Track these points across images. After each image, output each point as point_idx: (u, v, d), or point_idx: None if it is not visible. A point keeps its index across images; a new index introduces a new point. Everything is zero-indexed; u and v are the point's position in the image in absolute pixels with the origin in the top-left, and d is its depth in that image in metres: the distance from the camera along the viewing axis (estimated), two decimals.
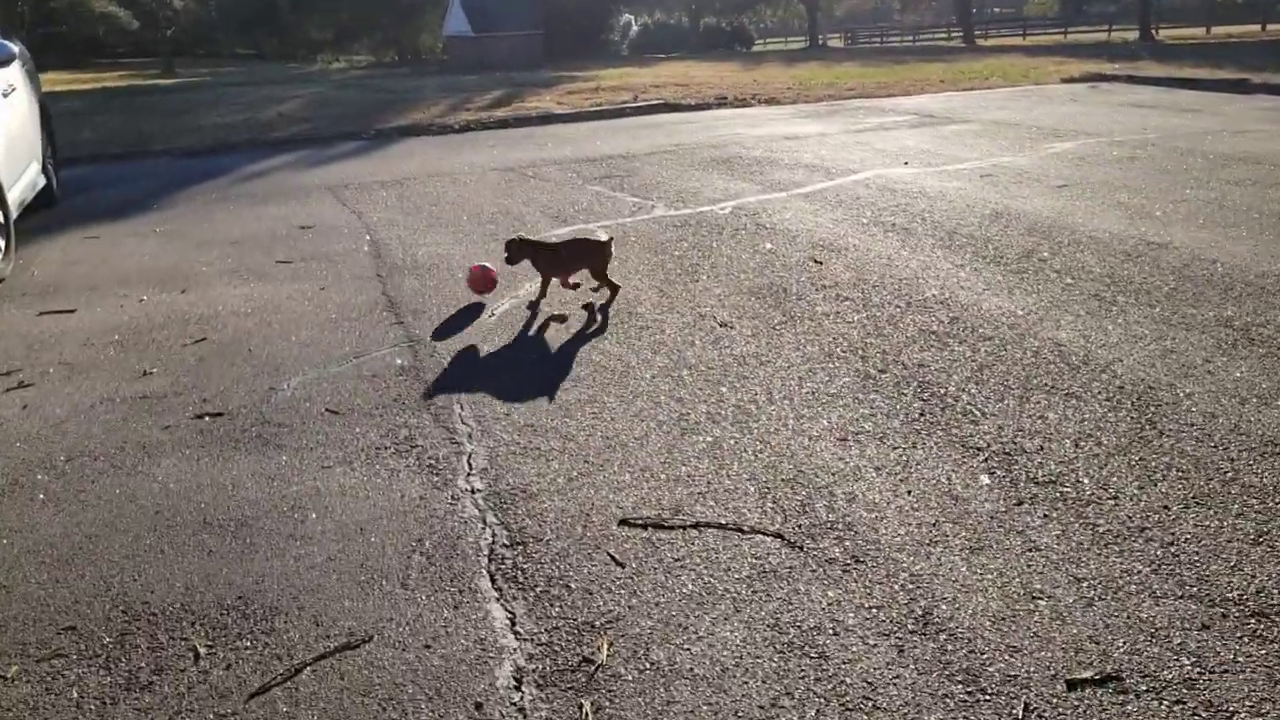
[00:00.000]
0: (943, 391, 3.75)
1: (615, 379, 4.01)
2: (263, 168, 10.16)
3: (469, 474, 3.28)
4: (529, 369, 4.19)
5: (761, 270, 5.55)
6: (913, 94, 15.22)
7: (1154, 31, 37.28)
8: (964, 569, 2.62)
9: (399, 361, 4.33)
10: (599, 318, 4.82)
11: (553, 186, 8.40)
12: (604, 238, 4.96)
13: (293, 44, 49.49)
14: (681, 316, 4.79)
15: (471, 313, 4.98)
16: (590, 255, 4.94)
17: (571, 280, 5.08)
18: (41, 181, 7.74)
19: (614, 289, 5.00)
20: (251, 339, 4.72)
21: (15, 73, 7.26)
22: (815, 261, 5.64)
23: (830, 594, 2.54)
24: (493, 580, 2.66)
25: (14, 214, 6.29)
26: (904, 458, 3.24)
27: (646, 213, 7.21)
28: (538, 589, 2.60)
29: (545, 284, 5.00)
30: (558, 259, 4.94)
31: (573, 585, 2.61)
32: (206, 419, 3.80)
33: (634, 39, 44.74)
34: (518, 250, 4.91)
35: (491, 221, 7.08)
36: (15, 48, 6.36)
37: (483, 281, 5.09)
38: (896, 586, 2.56)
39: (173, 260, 6.31)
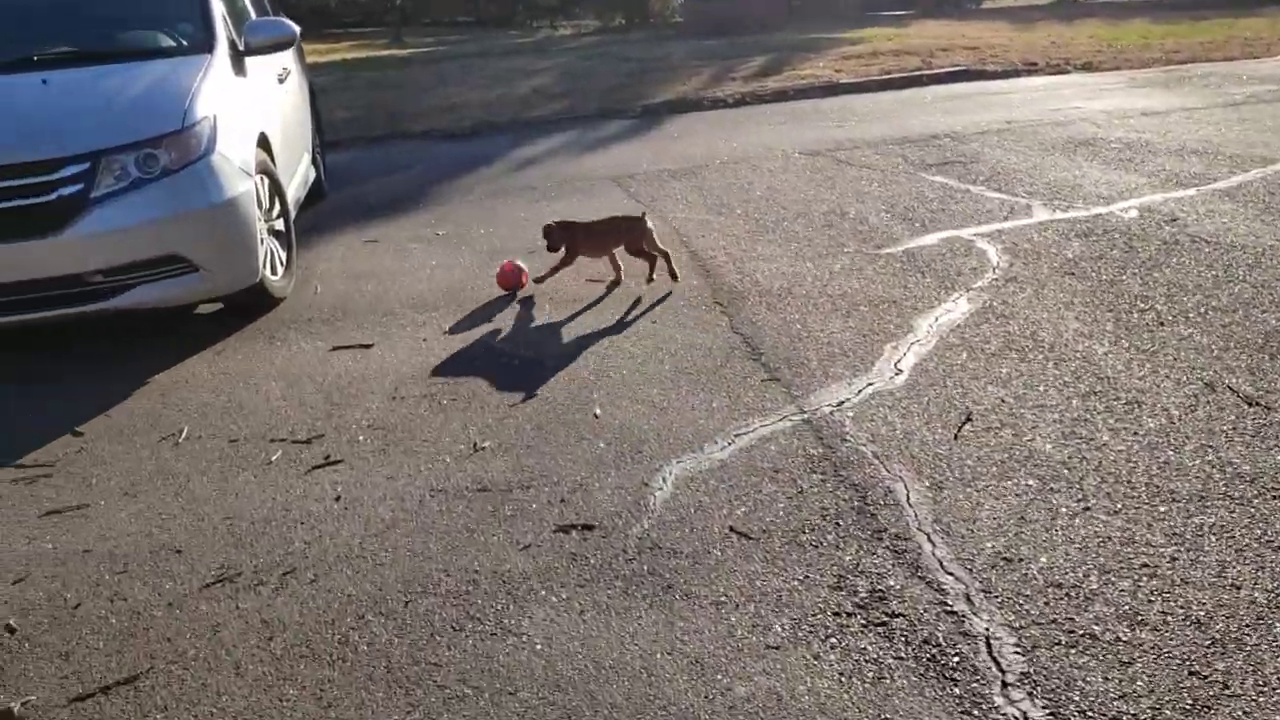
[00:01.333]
0: None
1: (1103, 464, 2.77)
2: (532, 153, 9.39)
3: (1003, 683, 2.13)
4: (1011, 467, 3.01)
5: (1249, 307, 4.15)
6: (1261, 56, 12.98)
7: None
8: None
9: (802, 446, 3.28)
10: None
11: (881, 176, 7.16)
12: (639, 213, 5.11)
13: (515, 9, 49.97)
14: (1178, 385, 3.48)
15: (860, 363, 3.87)
16: (628, 231, 5.00)
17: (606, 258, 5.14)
18: (312, 174, 7.17)
19: (653, 260, 5.06)
20: (592, 395, 3.79)
21: (290, 55, 6.64)
22: None
23: None
24: None
25: (293, 215, 5.60)
26: None
27: (1024, 215, 5.88)
28: None
29: (565, 263, 5.12)
30: (596, 237, 5.06)
31: None
32: (574, 534, 2.84)
33: None
34: (559, 234, 5.08)
35: (829, 225, 5.93)
36: (297, 27, 5.63)
37: (513, 279, 5.17)
38: None
39: (464, 275, 5.53)
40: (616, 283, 5.13)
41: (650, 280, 5.05)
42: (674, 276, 5.07)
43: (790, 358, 4.04)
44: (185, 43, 5.34)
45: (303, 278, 5.63)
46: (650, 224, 5.02)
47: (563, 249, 5.09)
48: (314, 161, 7.46)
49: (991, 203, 6.25)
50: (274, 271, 5.13)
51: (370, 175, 8.86)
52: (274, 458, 3.52)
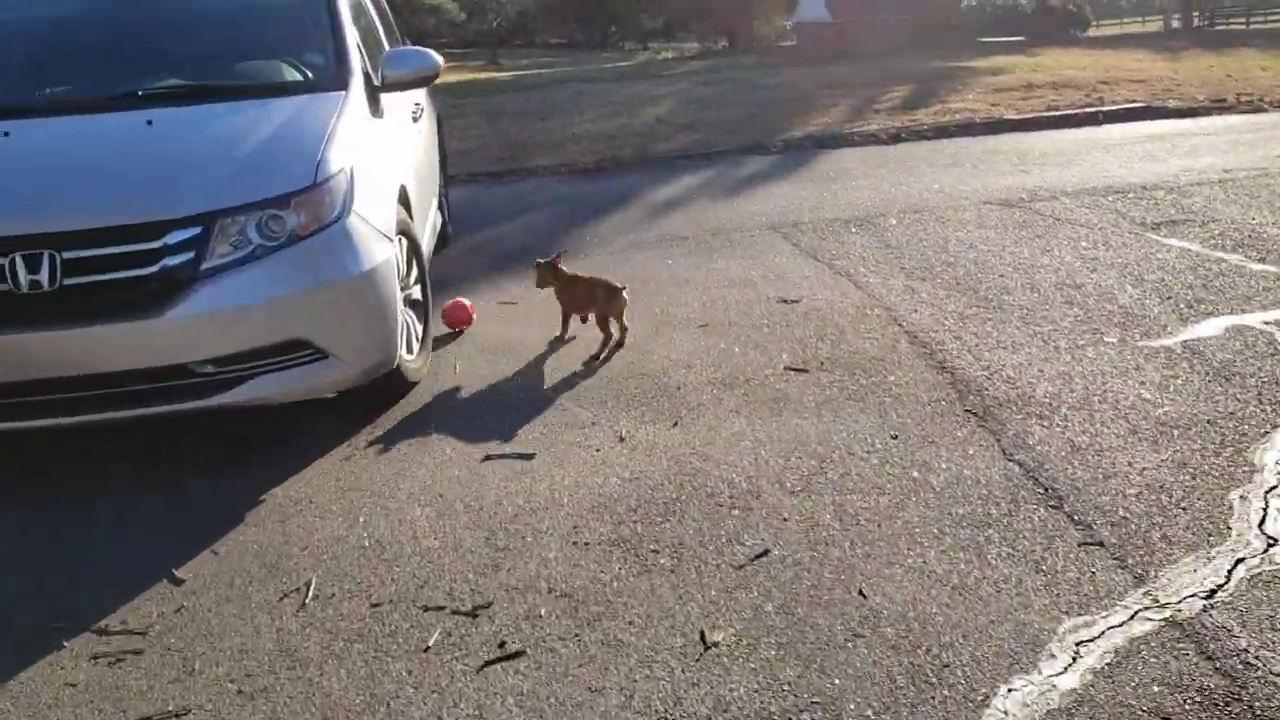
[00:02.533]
0: None
1: None
2: (670, 194, 8.50)
3: None
4: None
5: None
6: None
7: None
8: None
9: (1187, 672, 2.37)
10: None
11: (1102, 237, 6.10)
12: (619, 284, 4.70)
13: (609, 32, 49.63)
14: None
15: (1209, 523, 2.89)
16: (606, 302, 4.68)
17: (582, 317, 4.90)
18: (439, 220, 6.33)
19: (613, 339, 4.74)
20: (845, 553, 2.91)
21: (422, 91, 5.83)
22: None
23: None
24: None
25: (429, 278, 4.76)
26: None
27: None
28: None
29: (566, 319, 4.97)
30: (577, 295, 4.83)
31: None
32: None
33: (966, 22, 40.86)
34: (548, 277, 4.87)
35: (1069, 301, 4.91)
36: (440, 59, 4.80)
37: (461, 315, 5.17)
38: None
39: (634, 355, 4.73)
40: (560, 338, 4.94)
41: (597, 359, 4.63)
42: (619, 345, 4.76)
43: (1103, 507, 3.02)
44: (313, 76, 4.54)
45: (436, 351, 4.76)
46: (627, 298, 4.69)
47: (564, 301, 4.91)
48: (440, 204, 6.65)
49: (1262, 278, 5.15)
50: (409, 349, 4.29)
51: (494, 217, 8.05)
52: (431, 640, 2.63)
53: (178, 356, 3.51)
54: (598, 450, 3.71)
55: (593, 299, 4.72)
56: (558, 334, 4.97)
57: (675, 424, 3.89)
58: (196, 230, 3.50)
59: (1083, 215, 6.75)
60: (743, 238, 6.82)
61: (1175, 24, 45.05)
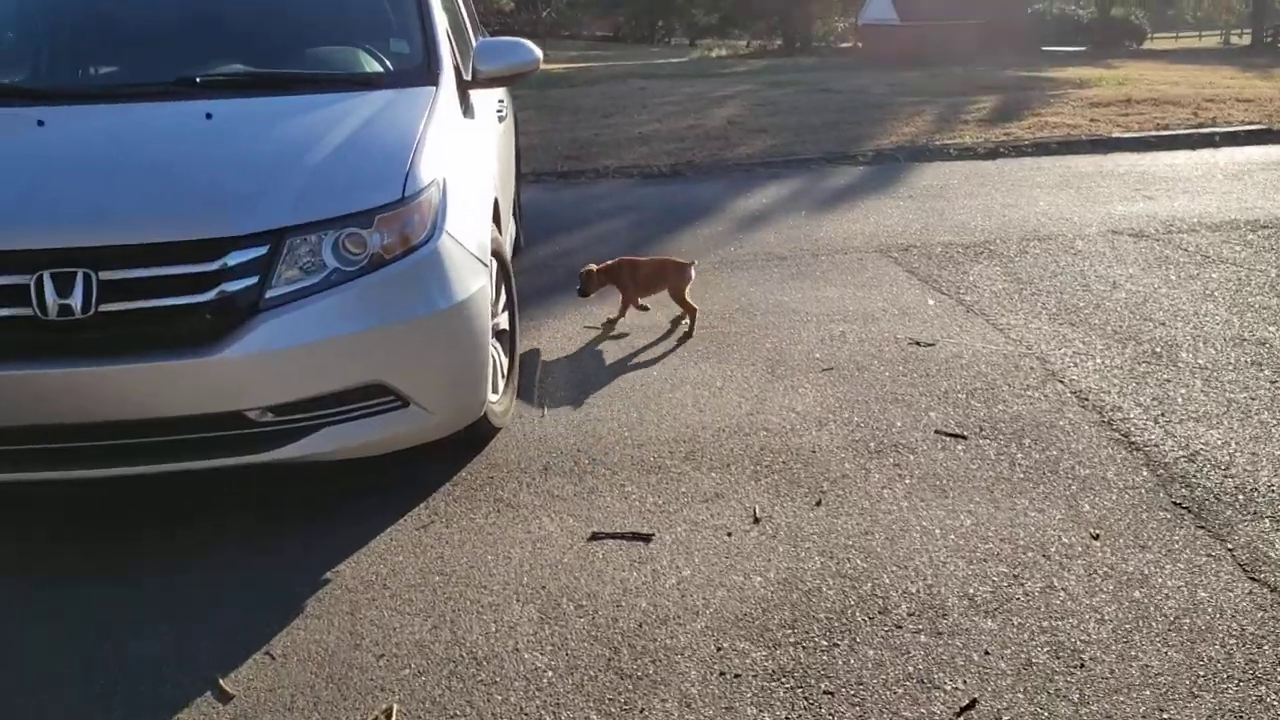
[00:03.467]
0: None
1: None
2: (756, 205, 7.85)
3: None
4: None
5: None
6: None
7: None
8: None
9: None
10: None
11: (1261, 279, 5.38)
12: (687, 260, 4.91)
13: (656, 27, 48.96)
14: None
15: None
16: (676, 276, 4.85)
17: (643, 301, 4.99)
18: (513, 228, 5.68)
19: (693, 312, 4.89)
20: (1062, 707, 2.25)
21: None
22: None
23: None
24: None
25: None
26: None
27: None
28: None
29: (625, 306, 4.98)
30: (639, 278, 4.90)
31: None
32: None
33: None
34: (595, 280, 4.89)
35: (1256, 362, 4.28)
36: (539, 51, 4.15)
37: None
38: None
39: (745, 400, 4.11)
40: (688, 331, 4.91)
41: (689, 334, 4.85)
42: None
43: None
44: (397, 68, 3.91)
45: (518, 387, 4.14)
46: (694, 274, 4.90)
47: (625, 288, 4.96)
48: (515, 211, 6.02)
49: None
50: (493, 388, 3.63)
51: (566, 224, 7.42)
52: None
53: (234, 402, 2.90)
54: (729, 535, 3.06)
55: (664, 277, 4.90)
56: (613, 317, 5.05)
57: (819, 502, 3.24)
58: (261, 250, 2.89)
59: (1234, 253, 6.03)
60: (849, 261, 6.14)
61: (1236, 39, 43.66)
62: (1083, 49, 34.46)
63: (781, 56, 31.78)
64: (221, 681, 2.50)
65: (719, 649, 2.55)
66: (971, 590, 2.75)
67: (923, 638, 2.57)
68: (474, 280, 3.28)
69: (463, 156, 3.58)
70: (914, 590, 2.76)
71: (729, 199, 8.20)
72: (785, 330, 4.89)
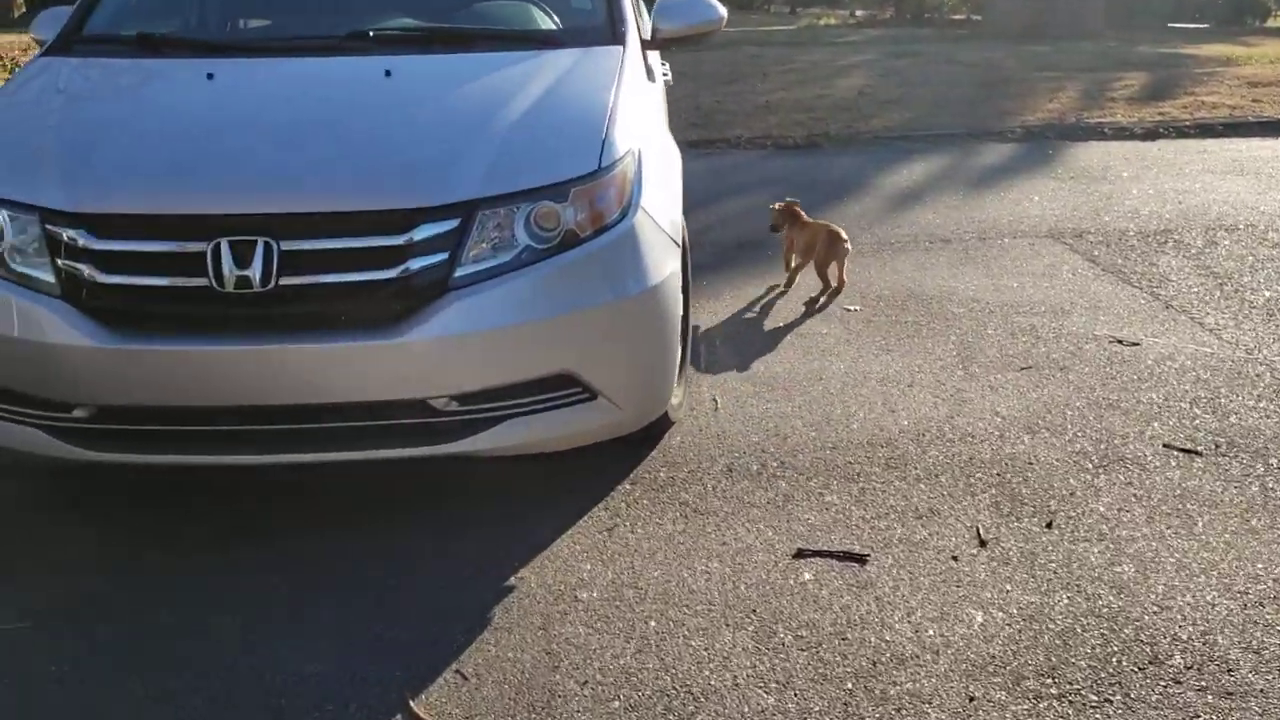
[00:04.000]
0: None
1: None
2: (905, 182, 7.43)
3: None
4: None
5: None
6: None
7: None
8: None
9: None
10: None
11: None
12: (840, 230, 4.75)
13: None
14: None
15: None
16: (828, 245, 4.71)
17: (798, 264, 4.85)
18: None
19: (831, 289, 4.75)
20: None
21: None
22: None
23: None
24: None
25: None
26: None
27: None
28: None
29: (797, 268, 4.91)
30: (802, 234, 4.82)
31: None
32: None
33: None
34: (780, 216, 4.90)
35: None
36: (724, 8, 3.81)
37: None
38: None
39: (948, 405, 3.78)
40: (831, 291, 4.79)
41: (816, 304, 4.74)
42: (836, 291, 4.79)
43: None
44: (577, 25, 3.60)
45: (696, 397, 3.84)
46: (848, 247, 4.76)
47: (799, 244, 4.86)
48: None
49: None
50: None
51: (702, 198, 7.08)
52: None
53: (418, 389, 2.66)
54: (954, 559, 2.73)
55: (814, 244, 4.74)
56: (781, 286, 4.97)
57: (1049, 524, 2.89)
58: (453, 224, 2.63)
59: None
60: (1020, 246, 5.71)
61: None
62: (1206, 25, 32.90)
63: (896, 28, 30.86)
64: (412, 704, 2.24)
65: (971, 699, 2.23)
66: (1254, 642, 2.39)
67: (1210, 698, 2.21)
68: (668, 262, 2.98)
69: (650, 124, 3.29)
70: (1184, 637, 2.41)
71: (873, 174, 7.78)
72: (967, 322, 4.51)
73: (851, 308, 4.74)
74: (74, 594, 2.66)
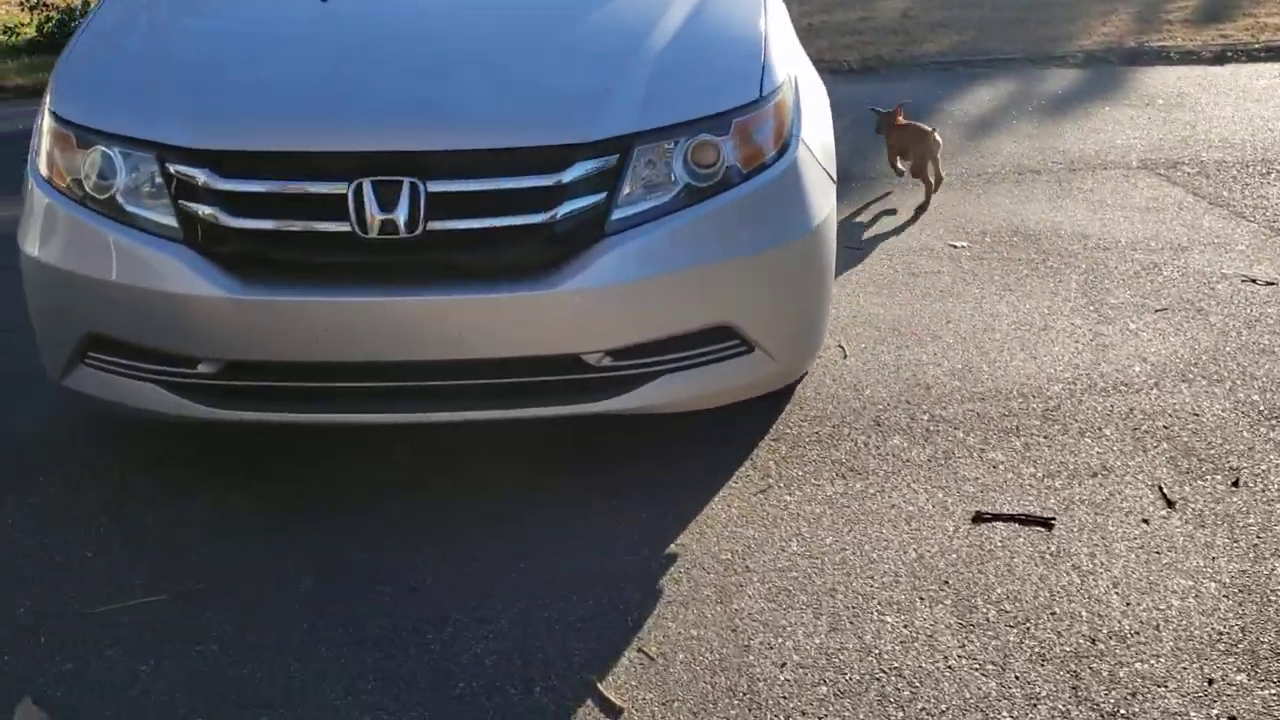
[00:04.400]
0: None
1: None
2: (974, 110, 7.20)
3: None
4: None
5: None
6: None
7: None
8: None
9: None
10: None
11: None
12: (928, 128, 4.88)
13: None
14: None
15: None
16: (918, 143, 4.85)
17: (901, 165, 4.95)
18: None
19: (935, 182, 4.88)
20: None
21: None
22: None
23: None
24: None
25: None
26: None
27: None
28: None
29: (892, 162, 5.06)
30: (897, 135, 4.99)
31: None
32: None
33: None
34: (882, 119, 5.08)
35: None
36: None
37: None
38: None
39: (1090, 351, 3.57)
40: (930, 190, 4.94)
41: (924, 208, 4.87)
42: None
43: None
44: None
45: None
46: (939, 140, 4.86)
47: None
48: None
49: None
50: None
51: None
52: None
53: (570, 343, 2.45)
54: (1145, 521, 2.55)
55: (908, 142, 4.90)
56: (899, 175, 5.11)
57: (1235, 482, 2.71)
58: (610, 161, 2.40)
59: None
60: (1114, 177, 5.47)
61: None
62: None
63: None
64: (601, 687, 2.06)
65: (1209, 681, 2.05)
66: None
67: None
68: (826, 200, 2.76)
69: (796, 51, 3.02)
70: None
71: (940, 101, 7.48)
72: (1083, 259, 4.29)
73: (958, 244, 4.51)
74: (213, 565, 2.47)
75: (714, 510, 2.67)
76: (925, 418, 3.09)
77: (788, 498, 2.73)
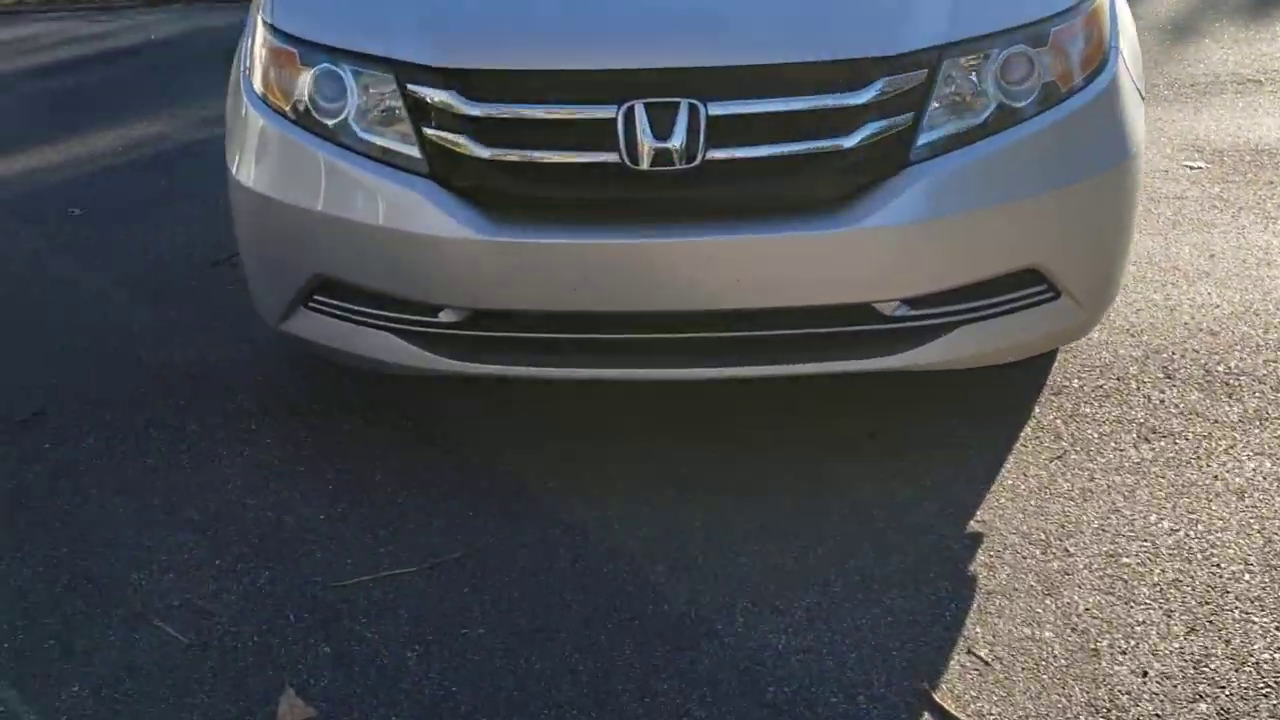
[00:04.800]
0: None
1: None
2: (1165, 10, 6.68)
3: None
4: None
5: None
6: None
7: None
8: None
9: None
10: None
11: None
12: None
13: None
14: None
15: None
16: None
17: None
18: None
19: None
20: None
21: None
22: None
23: None
24: None
25: None
26: None
27: None
28: None
29: None
30: None
31: None
32: None
33: None
34: None
35: None
36: None
37: None
38: None
39: None
40: None
41: None
42: None
43: None
44: None
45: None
46: None
47: None
48: None
49: None
50: None
51: None
52: None
53: (865, 290, 2.12)
54: None
55: None
56: None
57: None
58: (917, 76, 2.02)
59: None
60: (1235, 88, 4.91)
61: None
62: None
63: None
64: (936, 697, 1.77)
65: None
66: None
67: None
68: (1140, 121, 2.37)
69: None
70: None
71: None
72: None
73: (1195, 165, 4.05)
74: (462, 535, 2.24)
75: (1006, 480, 2.36)
76: (1220, 369, 2.73)
77: (1090, 465, 2.40)
